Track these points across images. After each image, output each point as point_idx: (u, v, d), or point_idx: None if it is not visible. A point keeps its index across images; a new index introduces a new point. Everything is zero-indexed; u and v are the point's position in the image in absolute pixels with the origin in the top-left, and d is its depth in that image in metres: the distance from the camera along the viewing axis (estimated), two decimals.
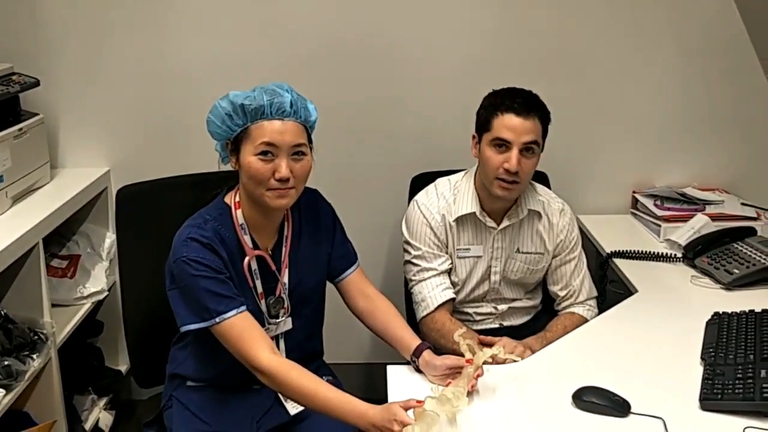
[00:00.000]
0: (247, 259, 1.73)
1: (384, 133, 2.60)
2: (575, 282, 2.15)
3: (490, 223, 2.10)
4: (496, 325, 2.19)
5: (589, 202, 2.62)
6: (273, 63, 2.50)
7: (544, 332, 2.07)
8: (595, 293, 2.18)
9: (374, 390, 1.85)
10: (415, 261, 2.11)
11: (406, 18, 2.50)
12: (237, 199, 1.75)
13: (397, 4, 2.49)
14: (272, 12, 2.48)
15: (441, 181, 2.16)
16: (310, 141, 1.73)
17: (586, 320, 2.10)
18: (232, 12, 2.48)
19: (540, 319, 2.21)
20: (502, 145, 1.97)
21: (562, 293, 2.16)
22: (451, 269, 2.13)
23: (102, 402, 2.56)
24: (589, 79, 2.58)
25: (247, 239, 1.74)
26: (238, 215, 1.74)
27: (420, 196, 2.15)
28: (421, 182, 2.26)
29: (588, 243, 2.42)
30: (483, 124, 2.02)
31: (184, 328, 1.66)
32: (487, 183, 2.03)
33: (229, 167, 1.75)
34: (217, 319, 1.62)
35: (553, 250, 2.15)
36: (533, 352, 1.90)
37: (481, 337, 2.01)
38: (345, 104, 2.54)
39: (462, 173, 2.16)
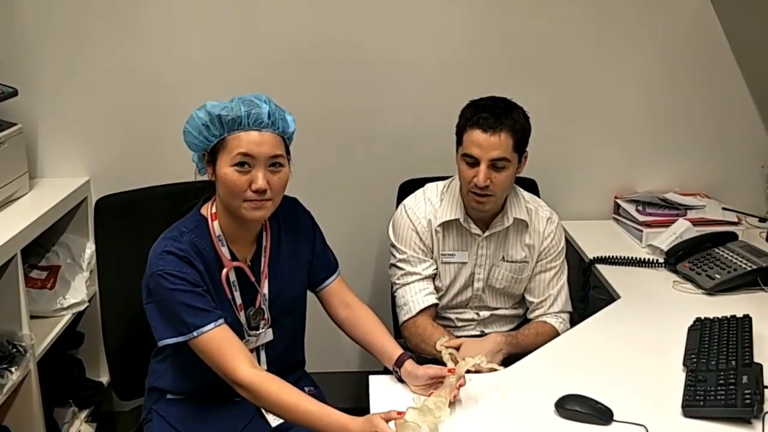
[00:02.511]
0: (225, 270, 1.72)
1: (366, 140, 2.60)
2: (552, 290, 2.13)
3: (475, 230, 2.09)
4: (478, 332, 2.18)
5: (571, 208, 2.62)
6: (253, 71, 2.49)
7: (516, 333, 2.07)
8: (569, 308, 2.16)
9: (357, 399, 1.84)
10: (399, 265, 2.11)
11: (387, 25, 2.49)
12: (213, 210, 1.74)
13: (378, 11, 2.48)
14: (251, 20, 2.47)
15: (430, 187, 2.16)
16: (288, 152, 1.71)
17: (557, 331, 2.08)
18: (211, 21, 2.47)
19: None
20: (472, 159, 1.97)
21: (537, 300, 2.15)
22: (435, 274, 2.12)
23: (83, 414, 2.54)
24: (569, 86, 2.58)
25: (224, 251, 1.73)
26: (215, 226, 1.72)
27: (408, 201, 2.15)
28: (408, 189, 2.25)
29: (570, 249, 2.41)
30: (457, 137, 2.02)
31: (161, 343, 1.65)
32: (463, 195, 2.05)
33: (206, 177, 1.73)
34: (195, 333, 1.60)
35: (537, 257, 2.14)
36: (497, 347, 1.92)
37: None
38: (326, 111, 2.53)
39: (451, 179, 2.15)
